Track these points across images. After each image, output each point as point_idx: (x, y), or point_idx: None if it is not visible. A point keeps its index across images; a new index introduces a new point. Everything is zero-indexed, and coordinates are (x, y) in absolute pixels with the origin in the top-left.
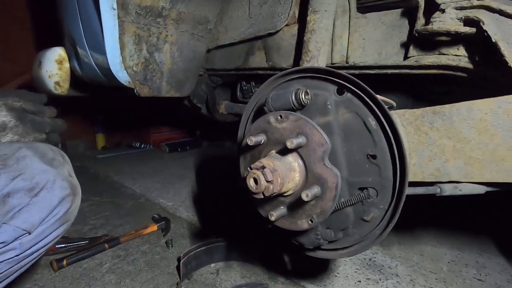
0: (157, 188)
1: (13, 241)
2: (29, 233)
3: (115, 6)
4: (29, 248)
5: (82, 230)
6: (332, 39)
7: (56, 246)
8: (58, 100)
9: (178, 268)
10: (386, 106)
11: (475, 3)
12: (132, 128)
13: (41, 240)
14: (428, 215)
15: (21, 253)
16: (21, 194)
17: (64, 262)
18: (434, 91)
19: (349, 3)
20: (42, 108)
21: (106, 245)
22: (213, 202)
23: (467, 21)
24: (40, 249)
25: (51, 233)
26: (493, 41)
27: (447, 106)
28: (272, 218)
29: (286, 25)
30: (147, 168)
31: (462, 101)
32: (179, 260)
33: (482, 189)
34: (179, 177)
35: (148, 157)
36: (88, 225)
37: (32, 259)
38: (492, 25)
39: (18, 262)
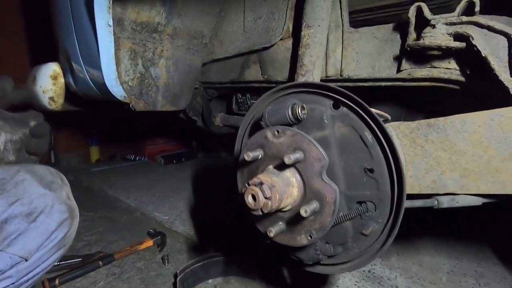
0: (153, 202)
1: (9, 269)
2: (26, 260)
3: (111, 23)
4: (25, 275)
5: (75, 247)
6: (326, 53)
7: None
8: (52, 113)
9: (174, 285)
10: (382, 119)
11: (464, 19)
12: (126, 140)
13: (37, 266)
14: (426, 223)
15: (17, 281)
16: (19, 219)
17: (57, 282)
18: (427, 101)
19: (341, 18)
20: (12, 94)
21: (100, 263)
22: (210, 214)
23: (457, 36)
24: (36, 275)
25: (48, 259)
26: (483, 55)
27: (441, 119)
28: (271, 235)
29: (281, 39)
30: (142, 181)
31: (455, 110)
32: (175, 276)
33: (479, 201)
34: (174, 190)
35: (143, 170)
36: (81, 242)
37: (28, 286)
38: (481, 40)
39: None
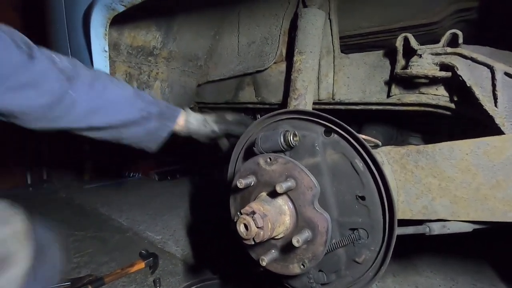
0: (145, 220)
1: None
2: None
3: (106, 48)
4: None
5: (64, 269)
6: (318, 77)
7: None
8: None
9: None
10: (372, 145)
11: (449, 50)
12: (120, 156)
13: None
14: (422, 241)
15: None
16: None
17: None
18: (420, 122)
19: (333, 44)
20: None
21: (90, 287)
22: (204, 233)
23: (443, 66)
24: None
25: None
26: (468, 85)
27: (430, 146)
28: (263, 263)
29: (274, 62)
30: (135, 198)
31: (444, 130)
32: None
33: (469, 227)
34: (168, 207)
35: (136, 187)
36: (71, 264)
37: None
38: (465, 71)
39: None
